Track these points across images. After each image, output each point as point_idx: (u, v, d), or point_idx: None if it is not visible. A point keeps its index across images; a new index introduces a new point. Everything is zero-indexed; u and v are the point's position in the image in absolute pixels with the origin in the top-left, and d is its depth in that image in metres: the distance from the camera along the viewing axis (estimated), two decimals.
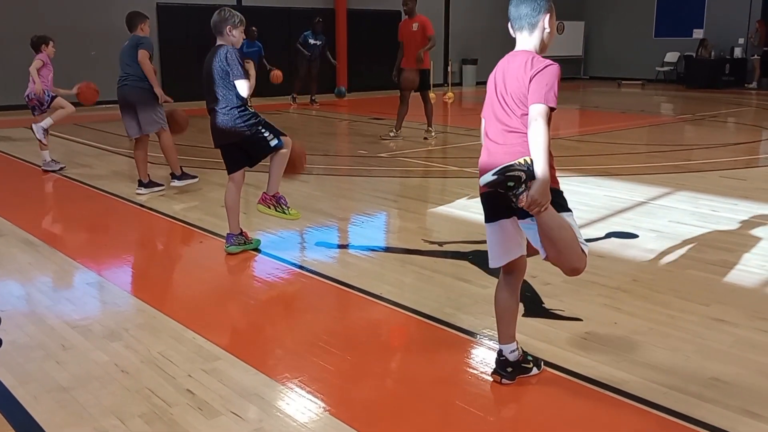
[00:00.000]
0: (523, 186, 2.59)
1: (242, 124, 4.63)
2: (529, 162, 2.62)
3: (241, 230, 4.91)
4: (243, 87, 4.60)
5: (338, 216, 5.99)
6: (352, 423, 2.73)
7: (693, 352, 3.31)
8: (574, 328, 3.58)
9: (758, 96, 16.96)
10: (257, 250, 4.95)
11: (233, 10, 4.70)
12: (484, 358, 3.27)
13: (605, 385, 3.00)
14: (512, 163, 2.62)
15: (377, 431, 2.71)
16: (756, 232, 5.30)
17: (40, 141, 7.67)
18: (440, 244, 5.07)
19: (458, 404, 2.86)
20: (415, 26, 9.53)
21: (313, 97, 14.83)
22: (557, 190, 2.78)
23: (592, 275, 4.30)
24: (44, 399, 2.91)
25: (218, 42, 4.68)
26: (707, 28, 19.86)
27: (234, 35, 4.66)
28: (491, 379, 3.04)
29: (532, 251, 2.94)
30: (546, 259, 2.78)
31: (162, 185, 6.79)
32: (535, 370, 3.06)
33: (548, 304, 3.90)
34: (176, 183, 6.80)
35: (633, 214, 5.83)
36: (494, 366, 3.05)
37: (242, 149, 4.75)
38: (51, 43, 7.68)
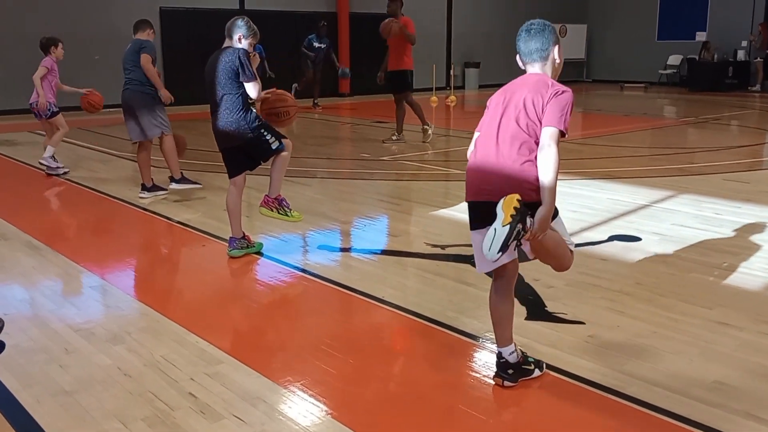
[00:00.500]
0: (523, 232, 2.64)
1: (245, 127, 4.63)
2: (519, 206, 2.61)
3: (244, 234, 4.92)
4: (253, 89, 4.60)
5: (340, 219, 5.99)
6: (355, 426, 2.72)
7: (696, 355, 3.30)
8: (577, 332, 3.57)
9: (761, 99, 16.94)
10: (260, 253, 4.95)
11: (251, 22, 4.72)
12: (486, 361, 3.26)
13: (608, 388, 2.99)
14: (508, 232, 2.59)
15: None
16: (759, 235, 5.29)
17: (57, 168, 7.68)
18: (443, 247, 5.07)
19: (461, 408, 2.86)
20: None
21: (315, 101, 14.85)
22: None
23: (594, 278, 4.30)
24: (47, 402, 2.91)
25: (225, 44, 4.69)
26: (710, 31, 19.85)
27: (242, 44, 4.67)
28: (494, 383, 3.04)
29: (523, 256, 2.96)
30: (534, 258, 2.93)
31: (165, 189, 6.79)
32: (537, 372, 3.06)
33: (551, 307, 3.89)
34: (174, 186, 6.77)
35: (636, 217, 5.82)
36: (496, 369, 3.05)
37: (244, 152, 4.75)
38: (60, 45, 7.69)
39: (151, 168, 6.82)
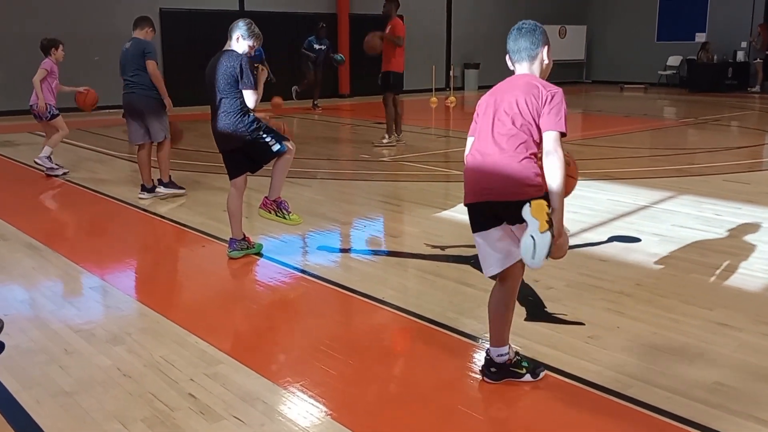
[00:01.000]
0: (553, 237, 2.64)
1: (243, 129, 4.63)
2: (549, 214, 2.64)
3: (244, 235, 4.92)
4: (251, 98, 4.60)
5: (341, 220, 5.99)
6: (355, 427, 2.72)
7: (696, 356, 3.30)
8: (577, 333, 3.57)
9: (761, 99, 16.94)
10: (259, 254, 4.95)
11: (254, 26, 4.72)
12: None
13: (607, 389, 2.99)
14: (548, 238, 2.60)
15: None
16: (760, 236, 5.29)
17: (51, 168, 7.69)
18: (443, 248, 5.07)
19: (460, 409, 2.86)
20: (388, 29, 9.56)
21: (315, 102, 14.86)
22: (547, 196, 2.81)
23: (595, 279, 4.30)
24: (47, 403, 2.91)
25: (227, 45, 4.69)
26: (710, 32, 19.85)
27: (240, 45, 4.66)
28: (492, 383, 3.05)
29: None
30: None
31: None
32: (528, 377, 3.05)
33: (551, 308, 3.89)
34: (161, 190, 6.76)
35: (636, 218, 5.82)
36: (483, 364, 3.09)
37: (245, 154, 4.75)
38: (61, 46, 7.69)
39: (151, 169, 6.82)
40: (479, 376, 3.11)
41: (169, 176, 6.81)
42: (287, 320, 3.95)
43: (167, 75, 14.19)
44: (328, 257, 5.01)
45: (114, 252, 5.14)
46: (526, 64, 2.93)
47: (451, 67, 18.45)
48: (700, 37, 19.87)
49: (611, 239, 5.25)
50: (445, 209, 6.31)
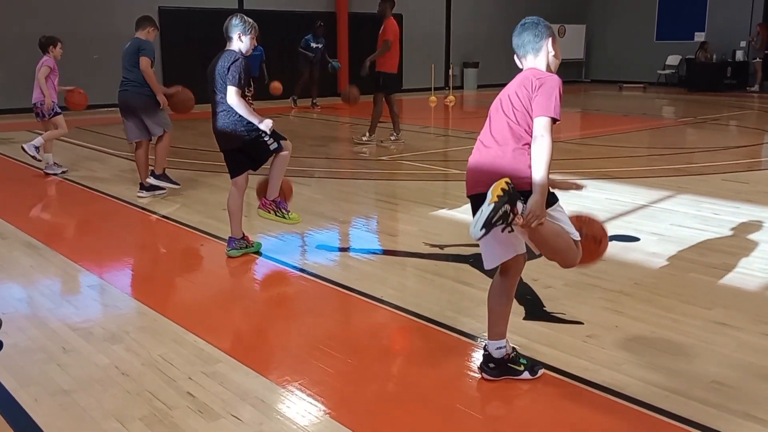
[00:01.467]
0: (511, 215, 2.63)
1: (242, 128, 4.62)
2: (507, 187, 2.62)
3: (243, 234, 4.91)
4: (231, 94, 4.52)
5: (339, 219, 5.99)
6: (353, 426, 2.72)
7: (695, 355, 3.30)
8: (576, 332, 3.57)
9: (760, 99, 16.95)
10: (258, 253, 4.95)
11: (246, 17, 4.69)
12: None
13: (607, 388, 2.99)
14: (489, 208, 2.61)
15: None
16: (758, 235, 5.29)
17: (33, 157, 7.69)
18: (441, 247, 5.07)
19: (459, 408, 2.86)
20: (381, 29, 9.57)
21: (314, 101, 14.85)
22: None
23: (593, 278, 4.30)
24: (45, 402, 2.90)
25: (228, 47, 4.68)
26: (709, 32, 19.87)
27: (243, 41, 4.65)
28: (490, 380, 3.05)
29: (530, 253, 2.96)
30: (541, 254, 2.90)
31: (164, 189, 6.79)
32: (526, 374, 3.05)
33: (549, 307, 3.89)
34: (152, 180, 6.68)
35: (635, 218, 5.83)
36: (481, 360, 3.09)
37: (245, 153, 4.75)
38: (59, 44, 7.68)
39: (149, 167, 6.81)
40: (478, 375, 3.10)
41: (164, 169, 6.74)
42: (286, 319, 3.95)
43: (166, 73, 14.33)
44: (327, 256, 5.01)
45: (112, 251, 5.14)
46: (531, 58, 2.91)
47: (450, 66, 18.44)
48: (700, 37, 19.88)
49: (610, 238, 5.22)
50: (443, 208, 6.31)
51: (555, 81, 2.77)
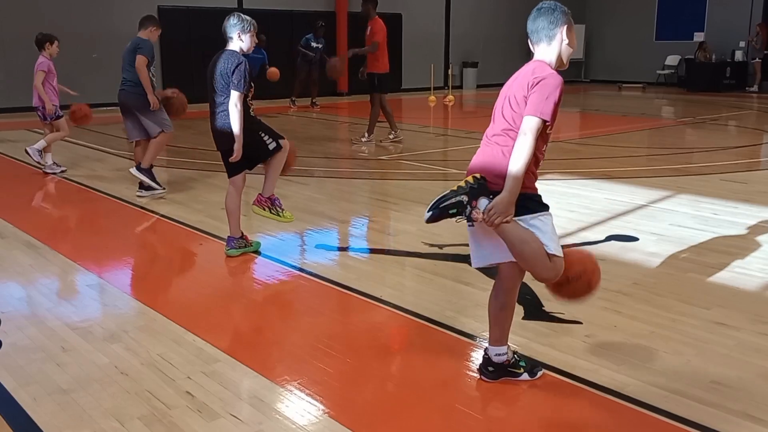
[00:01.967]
0: (469, 207, 2.61)
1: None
2: (472, 181, 2.62)
3: (242, 233, 4.91)
4: (235, 99, 4.51)
5: (338, 218, 5.99)
6: (352, 426, 2.72)
7: (694, 355, 3.30)
8: (574, 332, 3.57)
9: (759, 99, 16.96)
10: (257, 252, 4.95)
11: (243, 15, 4.68)
12: None
13: (606, 388, 2.99)
14: (445, 193, 2.62)
15: None
16: (757, 235, 5.29)
17: (38, 162, 7.68)
18: (440, 246, 5.07)
19: (459, 407, 2.86)
20: (368, 30, 9.57)
21: (313, 100, 14.85)
22: (531, 194, 2.78)
23: None
24: (44, 401, 2.90)
25: (228, 46, 4.67)
26: (708, 32, 19.87)
27: (244, 40, 4.64)
28: (489, 382, 3.05)
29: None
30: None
31: (163, 188, 6.79)
32: (525, 376, 3.05)
33: (548, 307, 3.89)
34: (134, 171, 6.60)
35: (633, 217, 5.83)
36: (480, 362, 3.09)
37: (243, 153, 4.74)
38: (56, 42, 7.64)
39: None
40: (477, 375, 3.11)
41: (151, 166, 6.65)
42: (285, 318, 3.95)
43: (165, 72, 14.33)
44: (326, 255, 5.01)
45: (111, 250, 5.14)
46: (544, 45, 2.80)
47: (450, 65, 18.43)
48: (699, 37, 19.89)
49: (609, 238, 5.25)
50: None
51: (554, 81, 2.67)
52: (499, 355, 3.01)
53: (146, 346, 3.42)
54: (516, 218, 2.71)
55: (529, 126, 2.65)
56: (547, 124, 2.69)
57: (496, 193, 2.67)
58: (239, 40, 4.63)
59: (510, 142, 2.73)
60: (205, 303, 4.10)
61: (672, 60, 20.67)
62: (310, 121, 13.03)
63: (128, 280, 4.63)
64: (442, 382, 3.08)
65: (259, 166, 4.89)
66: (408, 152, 9.27)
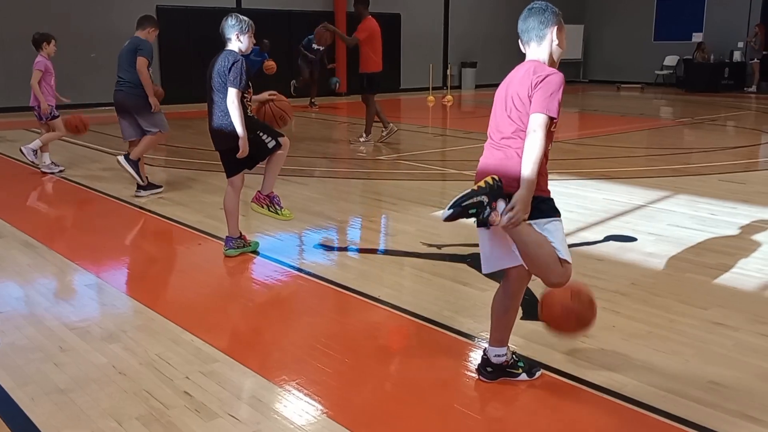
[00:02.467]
0: (488, 208, 2.59)
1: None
2: (492, 182, 2.61)
3: (240, 233, 4.91)
4: (232, 96, 4.50)
5: (337, 218, 5.98)
6: (350, 426, 2.72)
7: (692, 355, 3.31)
8: None
9: (757, 100, 16.98)
10: (256, 252, 4.95)
11: (241, 16, 4.67)
12: None
13: (603, 388, 3.00)
14: (466, 192, 2.61)
15: None
16: (755, 235, 5.30)
17: (32, 162, 7.67)
18: (439, 246, 5.07)
19: (457, 407, 2.86)
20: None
21: (312, 100, 14.86)
22: (545, 198, 2.77)
23: (590, 278, 4.30)
24: (42, 401, 2.90)
25: (227, 47, 4.66)
26: (707, 32, 19.89)
27: (242, 41, 4.63)
28: (487, 382, 3.05)
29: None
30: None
31: (161, 187, 6.79)
32: (523, 376, 3.05)
33: (540, 314, 3.88)
34: (121, 159, 6.54)
35: (632, 218, 5.83)
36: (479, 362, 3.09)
37: None
38: (53, 41, 7.64)
39: (145, 166, 6.80)
40: (475, 375, 3.11)
41: (139, 159, 6.60)
42: (283, 318, 3.95)
43: (164, 72, 14.33)
44: (325, 255, 5.01)
45: (110, 250, 5.14)
46: (535, 45, 2.80)
47: (449, 65, 18.44)
48: (697, 37, 19.92)
49: (607, 238, 5.25)
50: (441, 208, 6.29)
51: (557, 78, 2.68)
52: (499, 356, 3.01)
53: (144, 346, 3.42)
54: (531, 221, 2.69)
55: (538, 123, 2.63)
56: (555, 121, 2.69)
57: (511, 196, 2.65)
58: (237, 41, 4.62)
59: (522, 143, 2.70)
60: (204, 303, 4.10)
61: (670, 60, 20.69)
62: (309, 121, 13.03)
63: (126, 279, 4.62)
64: (441, 382, 3.08)
65: (259, 165, 4.89)
66: (406, 152, 9.27)
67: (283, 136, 4.81)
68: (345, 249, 5.29)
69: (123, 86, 6.55)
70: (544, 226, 2.73)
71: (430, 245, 5.09)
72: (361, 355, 3.36)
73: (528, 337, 3.47)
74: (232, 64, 4.50)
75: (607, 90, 20.01)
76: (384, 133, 9.87)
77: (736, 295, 4.14)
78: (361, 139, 9.87)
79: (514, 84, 2.79)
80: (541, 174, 2.71)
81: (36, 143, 7.67)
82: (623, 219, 5.79)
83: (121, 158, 6.58)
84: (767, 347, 3.41)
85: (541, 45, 2.80)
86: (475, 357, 3.34)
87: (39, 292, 4.22)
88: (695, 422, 2.73)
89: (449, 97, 15.37)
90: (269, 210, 4.90)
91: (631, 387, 2.99)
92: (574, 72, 22.46)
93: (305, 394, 2.96)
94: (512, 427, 2.83)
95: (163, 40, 14.68)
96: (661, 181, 7.27)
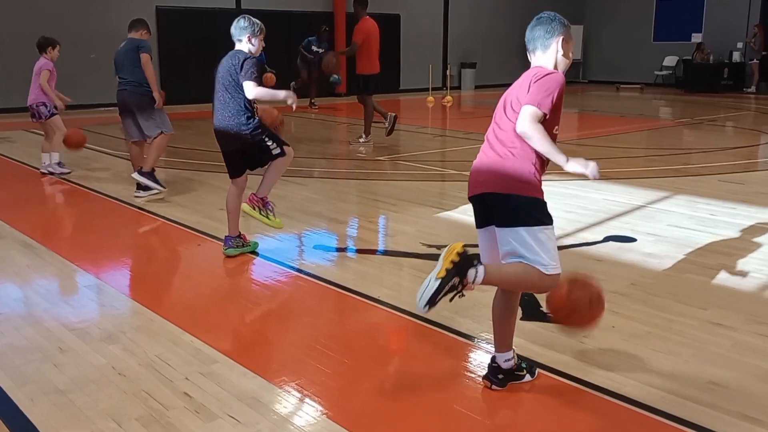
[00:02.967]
0: (460, 286, 2.61)
1: (246, 131, 4.60)
2: (457, 259, 2.60)
3: (240, 233, 4.91)
4: (250, 89, 4.51)
5: (336, 219, 5.99)
6: (350, 426, 2.72)
7: (691, 356, 3.31)
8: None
9: (756, 100, 16.99)
10: (255, 252, 4.95)
11: (253, 18, 4.67)
12: (482, 362, 3.26)
13: (603, 389, 3.00)
14: (434, 287, 2.61)
15: None
16: (754, 236, 5.30)
17: (61, 173, 7.66)
18: (438, 247, 5.07)
19: (456, 408, 2.86)
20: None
21: (312, 101, 14.86)
22: (538, 201, 2.75)
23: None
24: (41, 401, 2.90)
25: (236, 48, 4.67)
26: (706, 33, 19.90)
27: (254, 44, 4.64)
28: (499, 390, 3.04)
29: None
30: None
31: (164, 186, 6.79)
32: (527, 377, 3.06)
33: (546, 307, 3.89)
34: (136, 176, 6.56)
35: (631, 218, 5.83)
36: (487, 371, 3.05)
37: (245, 154, 4.75)
38: (57, 46, 7.67)
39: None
40: (475, 375, 3.11)
41: (153, 169, 6.61)
42: (282, 319, 3.95)
43: (163, 73, 14.31)
44: (324, 256, 5.01)
45: (109, 250, 5.13)
46: (540, 53, 2.82)
47: (448, 66, 18.45)
48: (697, 38, 19.93)
49: (607, 239, 5.26)
50: (440, 208, 6.31)
51: (557, 77, 2.69)
52: (508, 360, 3.00)
53: (144, 347, 3.42)
54: (523, 228, 2.68)
55: (528, 112, 2.63)
56: (556, 125, 2.70)
57: (508, 203, 2.67)
58: (248, 43, 4.62)
59: (517, 143, 2.71)
60: (203, 303, 4.10)
61: (670, 61, 20.70)
62: (309, 122, 13.03)
63: (126, 280, 4.63)
64: (440, 383, 3.08)
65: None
66: (406, 153, 9.27)
67: (288, 145, 4.81)
68: (344, 249, 5.29)
69: (126, 86, 6.55)
70: (537, 235, 2.70)
71: (430, 246, 5.10)
72: (361, 356, 3.37)
73: (527, 338, 3.47)
74: (244, 60, 4.52)
75: (607, 90, 20.02)
76: (387, 125, 9.83)
77: (736, 295, 4.14)
78: (361, 140, 9.88)
79: (515, 88, 2.81)
80: (535, 179, 2.72)
81: (55, 157, 7.67)
82: (622, 219, 5.80)
83: (135, 174, 6.59)
84: (766, 347, 3.41)
85: (545, 54, 2.82)
86: (475, 357, 3.34)
87: (38, 293, 4.22)
88: (694, 422, 2.73)
89: (449, 97, 15.37)
90: (260, 213, 4.87)
91: (630, 387, 2.99)
92: (573, 72, 22.46)
93: (305, 395, 2.96)
94: (511, 427, 2.83)
95: (163, 40, 14.73)
96: (660, 182, 7.27)
